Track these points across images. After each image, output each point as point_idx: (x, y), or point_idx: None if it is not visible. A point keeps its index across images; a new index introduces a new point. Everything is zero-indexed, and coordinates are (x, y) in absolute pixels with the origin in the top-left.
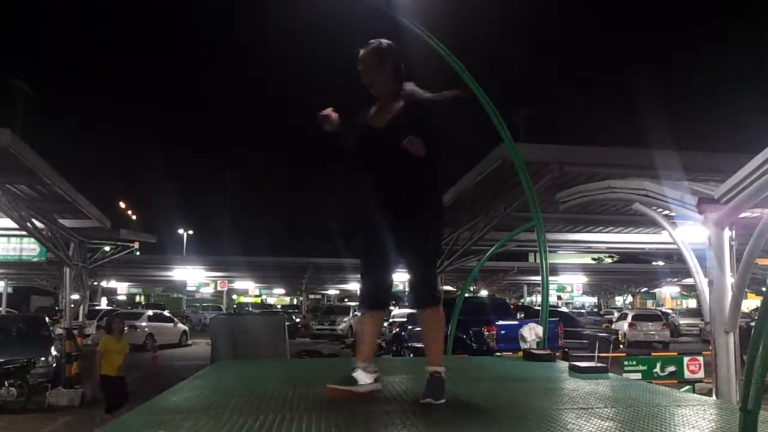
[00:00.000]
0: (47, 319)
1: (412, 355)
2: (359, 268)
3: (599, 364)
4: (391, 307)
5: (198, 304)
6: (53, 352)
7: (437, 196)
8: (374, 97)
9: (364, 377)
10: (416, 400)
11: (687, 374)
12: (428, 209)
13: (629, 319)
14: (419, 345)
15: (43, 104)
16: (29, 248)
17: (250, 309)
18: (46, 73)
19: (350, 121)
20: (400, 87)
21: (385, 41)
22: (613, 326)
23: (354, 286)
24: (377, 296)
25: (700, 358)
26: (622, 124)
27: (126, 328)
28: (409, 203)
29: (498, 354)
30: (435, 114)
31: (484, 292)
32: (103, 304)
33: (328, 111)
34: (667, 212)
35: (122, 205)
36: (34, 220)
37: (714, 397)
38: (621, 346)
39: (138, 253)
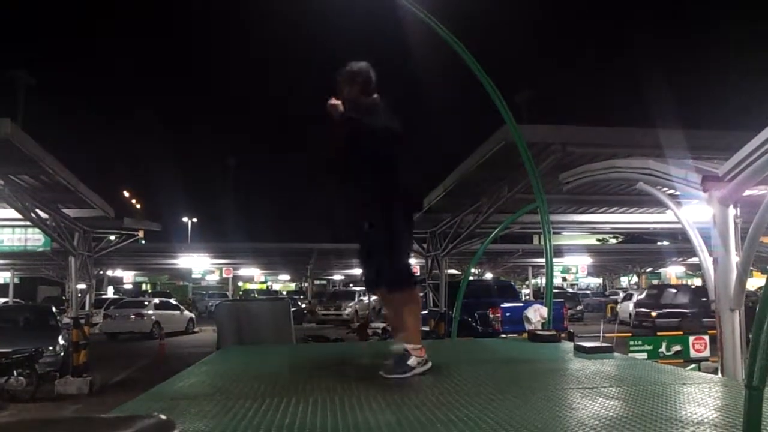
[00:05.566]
0: (54, 308)
1: None
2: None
3: (604, 344)
4: None
5: (204, 292)
6: (61, 341)
7: None
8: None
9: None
10: (421, 382)
11: (692, 353)
12: None
13: (635, 299)
14: (426, 329)
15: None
16: (34, 238)
17: (256, 296)
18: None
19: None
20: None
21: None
22: (618, 307)
23: (358, 270)
24: None
25: (706, 337)
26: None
27: None
28: None
29: (503, 336)
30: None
31: (488, 275)
32: (110, 293)
33: (334, 101)
34: (671, 191)
35: (126, 194)
36: (37, 210)
37: (720, 375)
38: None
39: (143, 241)
